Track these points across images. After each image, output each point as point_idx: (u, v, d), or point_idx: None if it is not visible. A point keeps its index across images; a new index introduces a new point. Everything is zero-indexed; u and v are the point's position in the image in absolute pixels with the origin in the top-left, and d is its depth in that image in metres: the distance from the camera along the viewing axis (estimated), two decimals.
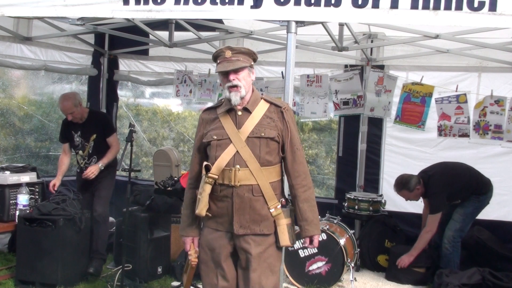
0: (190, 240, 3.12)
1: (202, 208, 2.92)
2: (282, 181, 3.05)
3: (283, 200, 2.98)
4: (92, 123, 5.16)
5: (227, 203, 2.92)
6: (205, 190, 2.91)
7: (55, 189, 5.09)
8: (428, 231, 5.18)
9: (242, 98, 2.93)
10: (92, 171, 4.99)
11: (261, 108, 2.98)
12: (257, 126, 2.93)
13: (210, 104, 8.32)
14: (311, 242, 3.05)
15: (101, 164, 5.04)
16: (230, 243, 2.97)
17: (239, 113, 2.96)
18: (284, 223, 2.93)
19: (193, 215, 3.05)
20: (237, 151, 2.90)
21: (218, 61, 2.95)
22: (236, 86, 2.91)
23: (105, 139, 5.15)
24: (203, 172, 2.94)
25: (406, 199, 5.42)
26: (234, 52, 2.93)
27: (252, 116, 2.95)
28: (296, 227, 3.07)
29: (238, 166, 2.88)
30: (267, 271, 2.93)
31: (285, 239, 2.93)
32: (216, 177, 2.91)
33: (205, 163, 2.95)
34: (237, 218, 2.90)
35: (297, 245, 5.02)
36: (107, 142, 5.16)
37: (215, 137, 2.96)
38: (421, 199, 5.42)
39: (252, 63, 3.01)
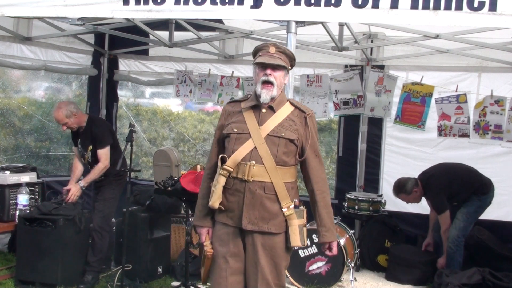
0: (205, 231, 3.11)
1: (215, 200, 2.93)
2: (296, 182, 3.05)
3: (297, 201, 2.97)
4: (87, 134, 4.90)
5: (238, 197, 2.92)
6: (219, 182, 2.93)
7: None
8: (445, 230, 5.21)
9: (272, 98, 2.96)
10: (73, 192, 4.76)
11: (286, 110, 3.00)
12: (279, 126, 2.95)
13: (210, 105, 8.47)
14: (329, 248, 3.06)
15: (82, 183, 4.79)
16: (239, 240, 2.96)
17: (263, 110, 2.98)
18: (296, 223, 2.93)
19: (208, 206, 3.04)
20: (255, 147, 2.91)
21: (260, 54, 2.98)
22: (270, 83, 2.93)
23: None
24: (219, 164, 2.95)
25: (407, 202, 5.45)
26: (278, 50, 2.97)
27: (276, 116, 2.97)
28: None
29: (253, 162, 2.89)
30: (274, 273, 2.93)
31: (296, 240, 2.93)
32: (231, 169, 2.92)
33: (221, 155, 2.97)
34: (246, 213, 2.90)
35: None
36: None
37: (235, 130, 2.97)
38: (424, 201, 5.43)
39: (289, 67, 3.05)
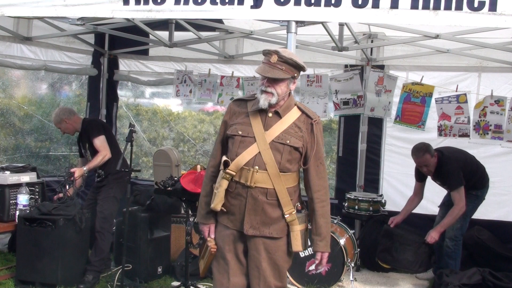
0: (207, 228, 3.10)
1: (217, 203, 2.93)
2: (299, 185, 3.04)
3: (299, 205, 2.96)
4: (83, 133, 5.13)
5: (240, 201, 2.91)
6: (222, 185, 2.91)
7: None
8: (461, 207, 4.99)
9: (270, 105, 2.91)
10: (77, 173, 4.82)
11: (292, 115, 2.96)
12: (284, 133, 2.91)
13: (210, 104, 8.47)
14: (321, 258, 3.01)
15: (85, 168, 4.88)
16: (241, 243, 2.97)
17: (270, 114, 2.94)
18: (298, 229, 2.91)
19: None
20: (259, 152, 2.88)
21: (263, 61, 2.91)
22: (269, 92, 2.89)
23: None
24: (221, 166, 2.93)
25: (425, 170, 5.16)
26: (280, 59, 2.85)
27: (282, 121, 2.93)
28: None
29: (257, 167, 2.87)
30: (276, 275, 2.94)
31: (297, 245, 2.91)
32: (234, 174, 2.90)
33: (224, 158, 2.94)
34: (248, 218, 2.89)
35: None
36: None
37: (240, 133, 2.94)
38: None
39: (296, 74, 2.94)
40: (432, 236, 5.02)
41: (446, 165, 5.08)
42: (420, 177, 5.37)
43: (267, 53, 2.91)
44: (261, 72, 2.88)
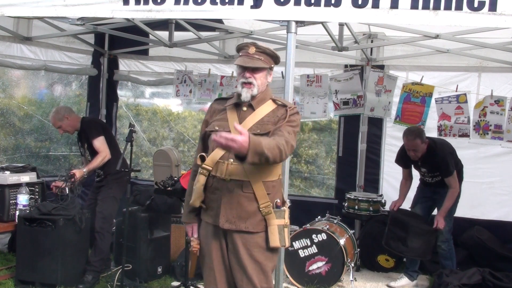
0: (190, 227, 3.12)
1: (195, 199, 2.96)
2: (280, 181, 3.03)
3: (279, 201, 2.94)
4: (81, 133, 5.11)
5: (218, 196, 2.92)
6: (199, 181, 2.95)
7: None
8: (457, 189, 5.10)
9: (253, 96, 2.95)
10: (77, 175, 4.82)
11: (267, 107, 2.98)
12: (257, 124, 2.92)
13: (209, 103, 8.46)
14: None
15: (85, 169, 4.88)
16: (223, 238, 2.95)
17: (244, 108, 2.98)
18: (275, 223, 2.90)
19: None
20: None
21: (240, 54, 2.97)
22: (250, 83, 2.93)
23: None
24: (199, 162, 2.95)
25: (412, 154, 5.16)
26: (258, 50, 2.94)
27: (255, 113, 2.95)
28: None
29: (231, 160, 2.87)
30: (260, 273, 2.91)
31: (274, 240, 2.89)
32: (210, 168, 2.92)
33: (200, 153, 2.97)
34: (223, 211, 2.89)
35: (297, 245, 5.03)
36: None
37: (217, 128, 2.96)
38: (400, 170, 5.50)
39: (272, 65, 3.01)
40: (440, 221, 5.05)
41: (441, 152, 5.13)
42: (406, 165, 5.44)
43: (244, 46, 2.97)
44: (242, 63, 2.93)
